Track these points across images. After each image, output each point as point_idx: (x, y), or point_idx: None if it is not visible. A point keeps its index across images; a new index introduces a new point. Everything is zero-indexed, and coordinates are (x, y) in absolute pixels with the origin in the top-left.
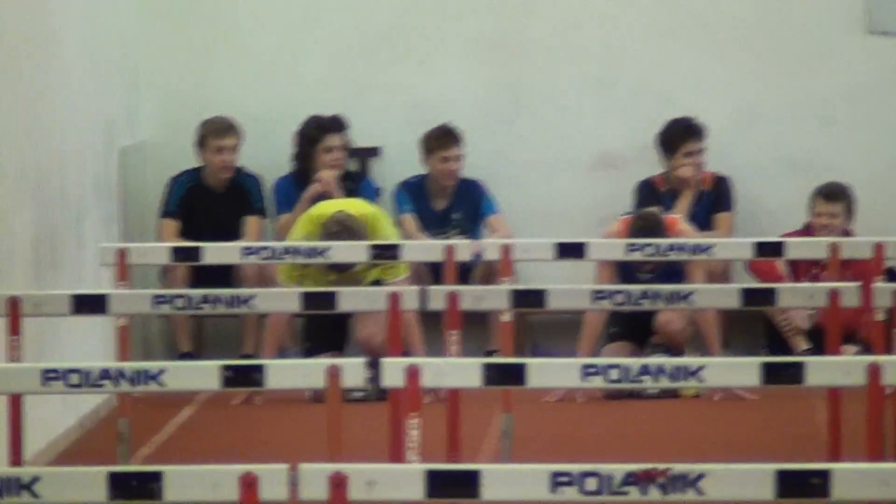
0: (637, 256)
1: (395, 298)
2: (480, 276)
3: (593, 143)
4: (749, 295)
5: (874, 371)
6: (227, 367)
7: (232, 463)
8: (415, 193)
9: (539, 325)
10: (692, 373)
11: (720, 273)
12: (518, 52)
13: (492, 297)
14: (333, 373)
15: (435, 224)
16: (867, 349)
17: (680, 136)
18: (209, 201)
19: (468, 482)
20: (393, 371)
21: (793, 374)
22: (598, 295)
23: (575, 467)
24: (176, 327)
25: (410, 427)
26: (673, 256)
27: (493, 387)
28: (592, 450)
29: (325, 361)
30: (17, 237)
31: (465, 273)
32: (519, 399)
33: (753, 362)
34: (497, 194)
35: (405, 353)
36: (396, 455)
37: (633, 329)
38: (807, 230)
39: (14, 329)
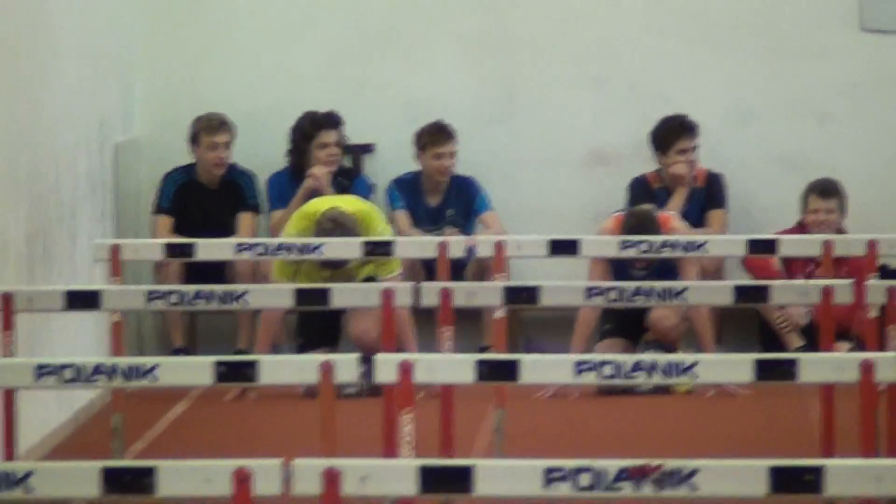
0: (630, 253)
1: (388, 295)
2: (473, 272)
3: (587, 140)
4: (742, 292)
5: (867, 368)
6: (220, 363)
7: (225, 458)
8: (408, 190)
9: (532, 321)
10: (685, 369)
11: (713, 270)
12: (512, 50)
13: (485, 294)
14: (327, 368)
15: (428, 221)
16: (860, 346)
17: (673, 133)
18: (202, 198)
19: (461, 478)
20: (386, 367)
21: (786, 370)
22: (592, 292)
23: (568, 463)
24: (169, 323)
25: (404, 423)
26: (666, 253)
27: (486, 383)
28: (586, 445)
29: (318, 357)
30: (10, 233)
31: (459, 269)
32: (512, 395)
33: (747, 359)
34: (491, 191)
35: (398, 350)
36: (390, 450)
37: (627, 326)
38: (800, 227)
39: (7, 325)
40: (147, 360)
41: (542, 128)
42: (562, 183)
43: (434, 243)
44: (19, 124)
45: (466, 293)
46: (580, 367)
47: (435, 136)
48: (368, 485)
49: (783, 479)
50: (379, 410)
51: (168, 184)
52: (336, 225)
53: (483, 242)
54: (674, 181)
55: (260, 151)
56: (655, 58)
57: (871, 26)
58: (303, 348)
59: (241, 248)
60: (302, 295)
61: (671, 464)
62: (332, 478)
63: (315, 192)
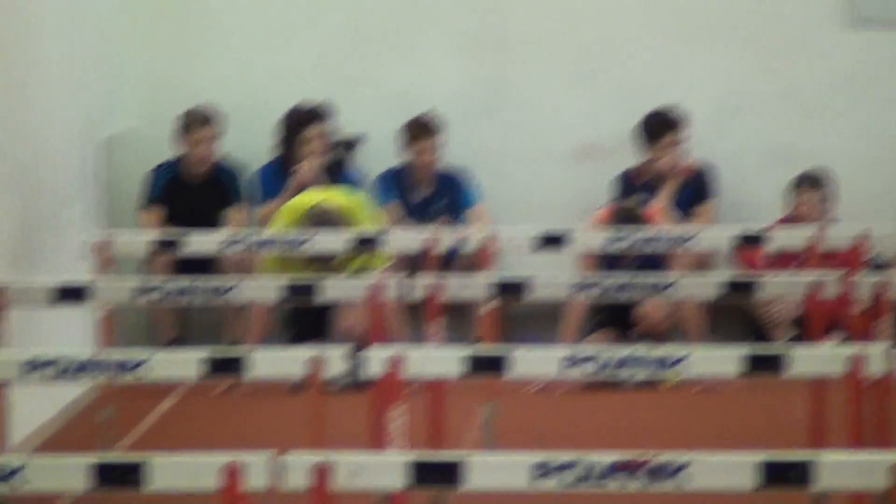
0: (619, 247)
1: (376, 288)
2: (462, 265)
3: (575, 134)
4: (731, 285)
5: (856, 361)
6: (209, 357)
7: (215, 452)
8: (397, 183)
9: (521, 315)
10: (674, 363)
11: (702, 263)
12: (500, 44)
13: (474, 287)
14: (316, 362)
15: (417, 214)
16: (849, 339)
17: (660, 127)
18: (190, 192)
19: (451, 471)
20: (375, 360)
21: (774, 364)
22: (580, 285)
23: (557, 457)
24: (158, 317)
25: (393, 416)
26: (655, 247)
27: (476, 376)
28: (575, 439)
29: (307, 351)
30: None
31: (447, 263)
32: (501, 389)
33: (735, 352)
34: (480, 184)
35: (388, 343)
36: (379, 444)
37: (615, 319)
38: (789, 220)
39: None
40: (136, 355)
41: (532, 122)
42: (551, 177)
43: (423, 236)
44: (7, 120)
45: (456, 286)
46: (569, 361)
47: (420, 130)
48: (358, 479)
49: (772, 473)
50: (368, 404)
51: (156, 178)
52: (324, 218)
53: (472, 236)
54: (662, 174)
55: (249, 145)
56: (644, 52)
57: (861, 19)
58: (292, 342)
59: (230, 241)
60: (291, 289)
61: (660, 458)
62: (321, 472)
63: (305, 185)
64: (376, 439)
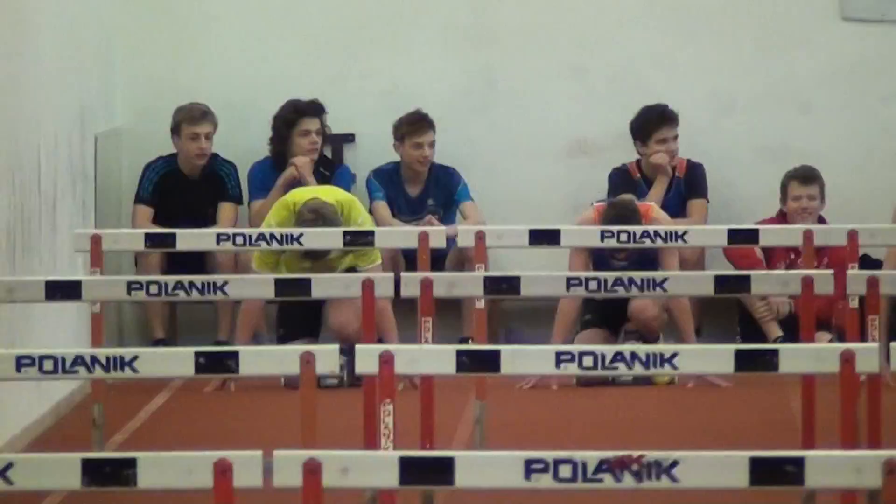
0: (611, 243)
1: (368, 285)
2: (453, 262)
3: (568, 130)
4: (722, 282)
5: (848, 358)
6: (200, 354)
7: (206, 449)
8: (388, 180)
9: (513, 312)
10: (666, 360)
11: (694, 260)
12: (493, 40)
13: (465, 284)
14: (307, 359)
15: (408, 211)
16: (841, 336)
17: (653, 122)
18: (183, 188)
19: (442, 469)
20: (366, 358)
21: (766, 361)
22: (572, 282)
23: (549, 454)
24: (150, 314)
25: (384, 414)
26: (647, 243)
27: (467, 374)
28: (566, 437)
29: (298, 348)
30: None
31: (439, 260)
32: (492, 386)
33: (727, 349)
34: (471, 181)
35: (379, 340)
36: (370, 442)
37: (608, 316)
38: (781, 217)
39: None
40: (127, 351)
41: (524, 118)
42: (543, 173)
43: (414, 233)
44: (0, 115)
45: (447, 283)
46: (561, 358)
47: (413, 126)
48: (349, 476)
49: (764, 471)
50: (359, 401)
51: (149, 174)
52: (316, 215)
53: (463, 232)
54: (654, 171)
55: (241, 141)
56: (637, 48)
57: (853, 15)
58: (283, 339)
59: (221, 238)
60: (282, 285)
61: (652, 455)
62: (312, 469)
63: (296, 182)
64: (368, 436)
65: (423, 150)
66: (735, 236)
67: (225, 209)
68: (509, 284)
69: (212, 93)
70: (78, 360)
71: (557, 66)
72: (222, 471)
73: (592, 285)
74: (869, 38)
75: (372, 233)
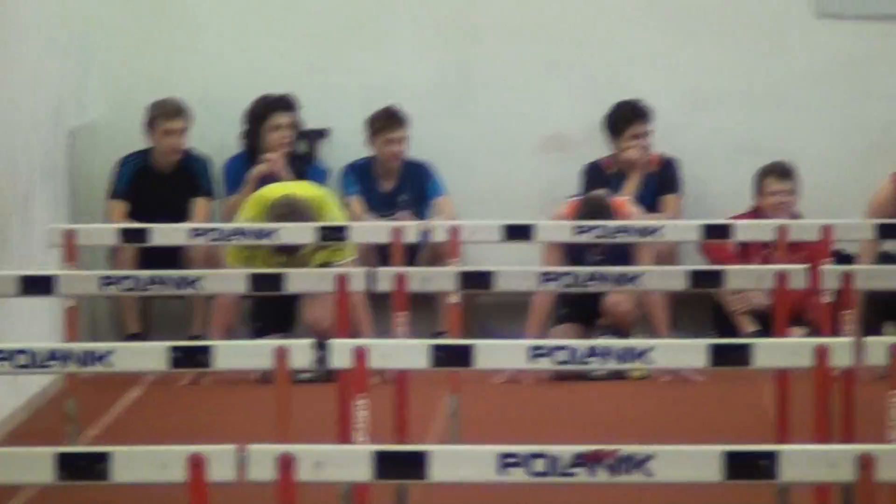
0: (585, 239)
1: (342, 280)
2: (427, 257)
3: (543, 125)
4: (697, 277)
5: (821, 353)
6: (174, 348)
7: (180, 444)
8: (361, 175)
9: (486, 307)
10: (640, 354)
11: (667, 255)
12: (468, 35)
13: (439, 279)
14: (281, 354)
15: (382, 206)
16: (814, 331)
17: (626, 118)
18: (157, 183)
19: (416, 463)
20: (340, 352)
21: (740, 355)
22: (546, 277)
23: (522, 448)
24: (124, 308)
25: (358, 408)
26: (621, 239)
27: (441, 368)
28: (540, 431)
29: (272, 342)
30: None
31: (413, 255)
32: (466, 380)
33: (701, 344)
34: (446, 176)
35: (353, 335)
36: (344, 436)
37: (581, 311)
38: (755, 212)
39: None
40: (101, 346)
41: (498, 113)
42: (517, 168)
43: (388, 228)
44: None
45: (421, 278)
46: (535, 353)
47: (386, 122)
48: (323, 470)
49: (738, 465)
50: (334, 396)
51: (123, 169)
52: (290, 210)
53: (437, 227)
54: (627, 166)
55: (216, 136)
56: (612, 43)
57: (828, 12)
58: (258, 334)
59: (195, 233)
60: (256, 280)
61: (625, 449)
62: (286, 463)
63: (270, 177)
64: (342, 431)
65: (394, 146)
66: (709, 231)
67: (199, 204)
68: (483, 279)
69: (187, 87)
70: (52, 354)
71: (533, 61)
72: (196, 465)
73: (566, 280)
74: (844, 35)
75: (346, 228)
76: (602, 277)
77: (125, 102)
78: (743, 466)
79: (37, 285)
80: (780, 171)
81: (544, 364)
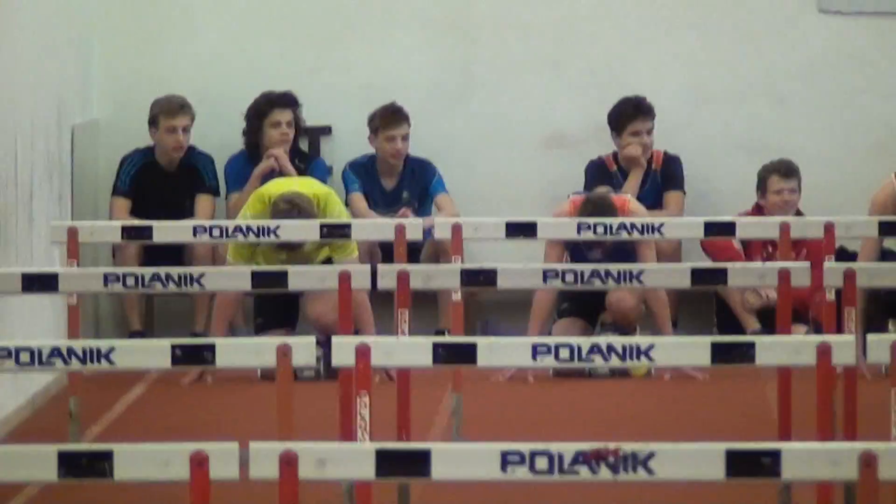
0: (587, 236)
1: (345, 277)
2: (429, 255)
3: (544, 123)
4: (699, 274)
5: (824, 351)
6: (177, 346)
7: (182, 441)
8: (363, 173)
9: (489, 304)
10: (642, 352)
11: (670, 252)
12: (469, 32)
13: (442, 276)
14: (284, 351)
15: (384, 203)
16: (817, 329)
17: (627, 115)
18: (161, 180)
19: (418, 461)
20: (343, 350)
21: (743, 353)
22: (549, 274)
23: (525, 446)
24: (126, 306)
25: (360, 406)
26: (623, 236)
27: (444, 366)
28: (542, 429)
29: (275, 340)
30: None
31: (415, 252)
32: (469, 378)
33: (704, 341)
34: (448, 174)
35: (355, 332)
36: (347, 434)
37: (584, 306)
38: (758, 210)
39: None
40: (104, 343)
41: (500, 110)
42: (519, 165)
43: (391, 226)
44: None
45: (424, 276)
46: (537, 350)
47: (388, 119)
48: (325, 468)
49: (740, 463)
50: (336, 393)
51: (127, 166)
52: (292, 207)
53: (440, 225)
54: (628, 163)
55: (218, 134)
56: (613, 40)
57: (829, 7)
58: (261, 329)
59: (198, 230)
60: (259, 277)
61: (628, 447)
62: (289, 461)
63: (273, 173)
64: (344, 428)
65: (396, 143)
66: (712, 228)
67: (202, 201)
68: (486, 277)
69: (189, 85)
70: (54, 351)
71: (534, 58)
72: (198, 463)
73: (569, 278)
74: (845, 31)
75: (348, 225)
76: (605, 275)
77: (128, 100)
78: (745, 464)
79: (39, 282)
80: (783, 170)
81: (547, 361)
